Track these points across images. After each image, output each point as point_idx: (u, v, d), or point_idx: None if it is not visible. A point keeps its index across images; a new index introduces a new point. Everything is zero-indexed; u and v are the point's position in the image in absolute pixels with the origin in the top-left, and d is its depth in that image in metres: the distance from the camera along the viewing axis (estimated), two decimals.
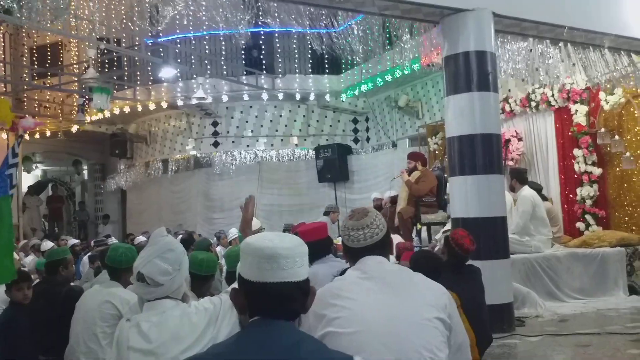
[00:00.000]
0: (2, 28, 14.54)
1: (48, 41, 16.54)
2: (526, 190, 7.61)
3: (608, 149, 8.66)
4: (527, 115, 9.69)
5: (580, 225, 8.76)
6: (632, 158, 8.28)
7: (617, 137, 8.49)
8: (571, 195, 8.98)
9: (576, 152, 8.84)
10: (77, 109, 14.82)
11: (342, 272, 2.37)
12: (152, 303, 2.38)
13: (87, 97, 14.24)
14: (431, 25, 5.95)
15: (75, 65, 16.00)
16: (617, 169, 8.66)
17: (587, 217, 8.69)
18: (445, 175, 7.71)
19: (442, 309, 2.14)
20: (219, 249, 9.06)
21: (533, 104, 9.41)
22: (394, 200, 9.24)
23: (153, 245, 2.43)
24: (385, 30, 6.44)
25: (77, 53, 16.47)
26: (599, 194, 8.72)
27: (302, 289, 1.66)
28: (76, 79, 14.37)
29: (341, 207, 12.18)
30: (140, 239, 9.11)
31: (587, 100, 8.85)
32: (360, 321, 2.05)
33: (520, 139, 9.70)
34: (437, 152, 11.11)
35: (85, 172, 19.27)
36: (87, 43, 13.62)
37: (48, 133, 15.49)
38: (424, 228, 8.23)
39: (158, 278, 2.34)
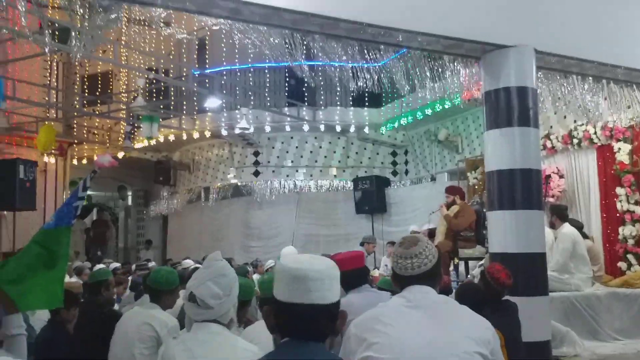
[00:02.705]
0: (55, 57, 15.12)
1: (99, 70, 17.14)
2: (567, 228, 7.51)
3: None
4: (569, 152, 9.59)
5: (622, 264, 8.57)
6: None
7: None
8: (613, 234, 8.81)
9: (619, 190, 8.70)
10: (124, 136, 15.27)
11: None
12: (200, 324, 2.45)
13: (134, 124, 14.66)
14: (472, 60, 6.01)
15: (124, 94, 16.52)
16: None
17: (629, 256, 8.51)
18: (484, 210, 7.68)
19: (485, 344, 2.12)
20: (255, 276, 9.14)
21: (575, 141, 9.32)
22: (431, 233, 9.21)
23: (207, 268, 2.51)
24: (427, 64, 6.53)
25: (126, 82, 17.01)
26: None
27: (329, 313, 1.69)
28: (124, 107, 14.82)
29: (378, 239, 12.17)
30: (188, 262, 9.17)
31: (631, 139, 8.74)
32: (399, 348, 2.06)
33: (561, 176, 9.59)
34: (476, 187, 11.05)
35: (130, 198, 19.68)
36: (136, 73, 14.09)
37: (95, 158, 15.94)
38: (462, 263, 8.17)
39: (209, 301, 2.41)
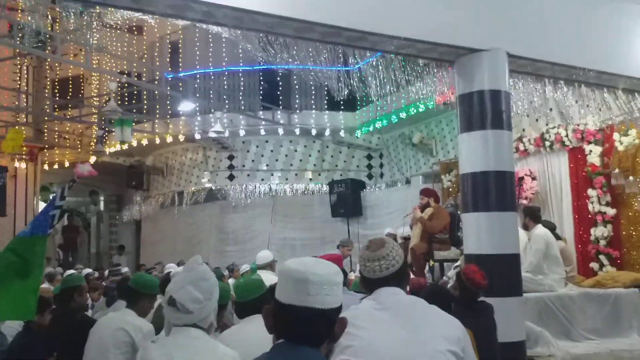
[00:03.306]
0: (26, 60, 14.90)
1: (70, 74, 16.93)
2: (540, 229, 7.61)
3: (622, 189, 8.65)
4: (541, 154, 9.72)
5: (594, 265, 8.70)
6: None
7: (631, 178, 8.49)
8: (585, 235, 8.94)
9: (590, 192, 8.84)
10: (95, 140, 15.09)
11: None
12: (179, 328, 2.42)
13: (106, 129, 14.51)
14: (446, 64, 6.06)
15: (95, 98, 16.34)
16: (631, 209, 8.64)
17: (601, 257, 8.64)
18: (459, 212, 7.74)
19: (456, 342, 2.13)
20: (230, 280, 9.08)
21: (547, 143, 9.45)
22: (408, 237, 9.24)
23: (188, 272, 2.48)
24: (401, 68, 6.57)
25: (98, 86, 16.82)
26: (612, 234, 8.68)
27: (327, 317, 1.67)
28: (96, 111, 14.66)
29: (354, 243, 12.19)
30: (172, 266, 9.03)
31: (602, 141, 8.88)
32: (372, 351, 2.06)
33: (534, 178, 9.72)
34: (450, 190, 11.14)
35: (102, 203, 19.45)
36: (108, 76, 13.95)
37: (66, 164, 15.73)
38: (437, 265, 8.22)
39: (189, 305, 2.39)
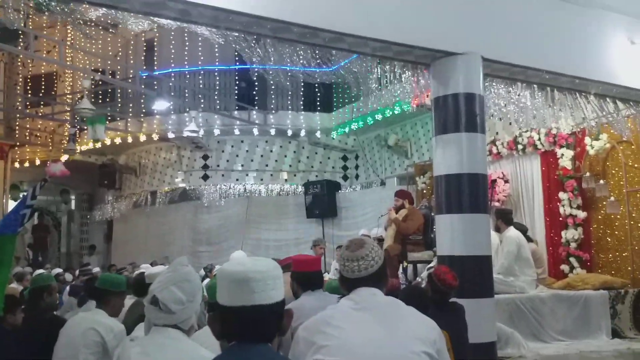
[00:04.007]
0: None
1: (43, 71, 16.69)
2: (512, 231, 7.70)
3: (593, 193, 8.79)
4: (514, 157, 9.84)
5: (564, 267, 8.83)
6: (616, 202, 8.42)
7: (602, 181, 8.64)
8: (556, 238, 9.07)
9: (561, 195, 8.98)
10: (68, 138, 14.88)
11: None
12: (159, 328, 2.40)
13: (78, 127, 14.31)
14: (422, 67, 6.10)
15: (68, 96, 16.11)
16: (601, 212, 8.79)
17: (572, 259, 8.77)
18: (432, 214, 7.79)
19: (431, 344, 2.15)
20: (206, 281, 9.01)
21: (520, 146, 9.57)
22: (381, 238, 9.28)
23: (172, 273, 2.48)
24: (378, 70, 6.59)
25: (71, 84, 16.60)
26: (583, 237, 8.82)
27: (275, 312, 1.68)
28: (69, 109, 14.45)
29: (328, 244, 12.21)
30: (146, 266, 8.89)
31: (573, 145, 9.03)
32: (348, 351, 2.07)
33: (506, 181, 9.83)
34: (424, 191, 11.22)
35: (73, 202, 19.17)
36: (82, 74, 13.77)
37: (37, 162, 15.49)
38: (410, 266, 8.26)
39: (171, 305, 2.37)
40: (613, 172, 8.75)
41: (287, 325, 1.74)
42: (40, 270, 8.93)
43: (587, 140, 8.75)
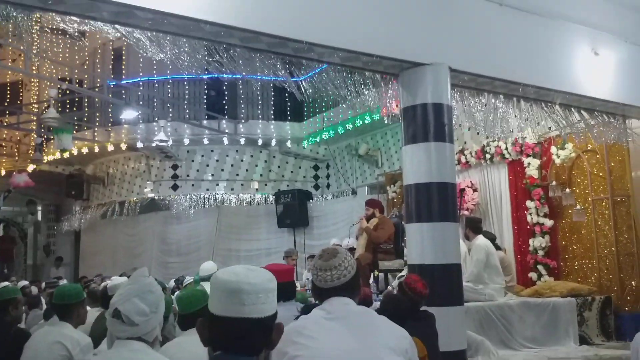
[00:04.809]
0: None
1: (8, 80, 16.40)
2: (480, 239, 7.78)
3: (559, 201, 8.94)
4: (482, 167, 9.97)
5: (532, 275, 8.94)
6: (582, 211, 8.57)
7: (568, 190, 8.79)
8: (524, 246, 9.19)
9: (529, 203, 9.11)
10: (34, 148, 14.62)
11: (305, 310, 2.39)
12: (123, 341, 2.35)
13: (45, 136, 14.08)
14: (391, 77, 6.15)
15: (34, 105, 15.85)
16: (568, 220, 8.94)
17: (539, 267, 8.89)
18: (403, 222, 7.83)
19: (403, 354, 2.16)
20: (177, 293, 8.88)
21: (488, 156, 9.70)
22: (353, 248, 9.28)
23: (133, 284, 2.42)
24: (347, 80, 6.63)
25: (37, 92, 16.34)
26: (550, 244, 8.95)
27: (264, 326, 1.64)
28: (35, 118, 14.21)
29: (300, 253, 12.17)
30: (116, 279, 8.75)
31: (540, 154, 9.18)
32: None
33: (475, 190, 9.94)
34: (395, 200, 11.28)
35: (39, 213, 18.82)
36: (48, 83, 13.56)
37: (3, 172, 15.18)
38: (381, 275, 8.29)
39: (134, 317, 2.32)
40: (579, 180, 8.91)
41: (277, 339, 1.70)
42: (6, 283, 8.72)
43: (553, 149, 8.90)
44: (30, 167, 14.78)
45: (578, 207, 8.63)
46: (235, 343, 1.62)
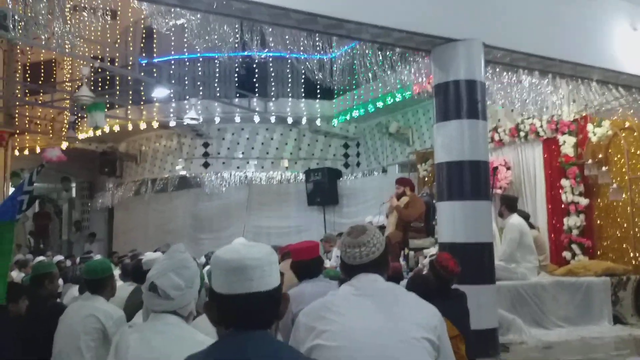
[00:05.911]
0: None
1: (42, 58, 16.62)
2: (514, 218, 7.67)
3: (595, 180, 8.76)
4: (516, 145, 9.81)
5: (566, 254, 8.82)
6: (618, 189, 8.38)
7: (604, 168, 8.61)
8: (558, 225, 9.05)
9: (564, 182, 8.95)
10: (67, 126, 14.85)
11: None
12: (158, 315, 2.40)
13: (78, 114, 14.27)
14: (423, 53, 6.06)
15: (68, 83, 16.05)
16: (604, 199, 8.77)
17: (574, 246, 8.76)
18: (434, 201, 7.77)
19: (432, 330, 2.14)
20: (207, 268, 8.99)
21: (522, 134, 9.53)
22: (383, 226, 9.26)
23: (170, 259, 2.47)
24: (378, 57, 6.54)
25: (70, 71, 16.54)
26: (585, 224, 8.80)
27: (273, 298, 1.66)
28: (68, 96, 14.40)
29: (330, 231, 12.19)
30: (149, 254, 8.86)
31: (575, 132, 8.98)
32: (348, 336, 2.07)
33: (508, 168, 9.80)
34: (426, 179, 11.19)
35: (74, 190, 19.18)
36: (81, 61, 13.71)
37: (38, 149, 15.46)
38: (412, 253, 8.26)
39: (170, 291, 2.37)
40: (615, 159, 8.71)
41: (284, 309, 1.72)
42: (41, 258, 8.93)
43: (589, 127, 8.71)
44: (64, 145, 15.02)
45: (614, 185, 8.45)
46: (248, 318, 1.63)
